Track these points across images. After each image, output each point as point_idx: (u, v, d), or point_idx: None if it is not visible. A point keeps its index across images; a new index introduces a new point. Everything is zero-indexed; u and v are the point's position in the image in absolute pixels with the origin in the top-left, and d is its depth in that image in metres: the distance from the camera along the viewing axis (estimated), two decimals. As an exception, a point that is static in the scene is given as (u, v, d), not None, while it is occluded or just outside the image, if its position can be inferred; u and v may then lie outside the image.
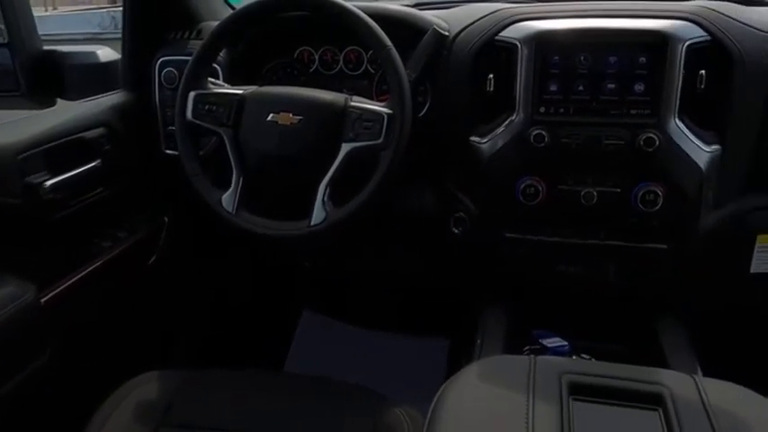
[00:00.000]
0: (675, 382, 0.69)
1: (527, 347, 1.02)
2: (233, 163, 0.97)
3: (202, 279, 1.47)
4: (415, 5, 1.30)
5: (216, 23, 1.02)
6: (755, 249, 1.00)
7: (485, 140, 1.03)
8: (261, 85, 1.02)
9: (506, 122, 1.01)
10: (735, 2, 1.05)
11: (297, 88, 1.00)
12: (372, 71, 1.14)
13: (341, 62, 1.15)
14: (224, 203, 0.97)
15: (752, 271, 1.01)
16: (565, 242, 1.03)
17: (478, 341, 1.02)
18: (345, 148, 0.92)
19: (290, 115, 0.94)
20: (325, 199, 0.93)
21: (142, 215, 1.24)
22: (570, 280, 1.08)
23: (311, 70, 1.17)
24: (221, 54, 1.10)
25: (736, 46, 0.94)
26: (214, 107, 0.98)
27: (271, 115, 0.95)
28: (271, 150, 0.96)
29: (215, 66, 1.09)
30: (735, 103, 0.94)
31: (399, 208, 1.14)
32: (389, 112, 0.92)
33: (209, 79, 1.02)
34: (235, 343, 1.53)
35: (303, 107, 0.94)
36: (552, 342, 1.01)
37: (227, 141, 0.97)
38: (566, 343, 1.01)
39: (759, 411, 0.66)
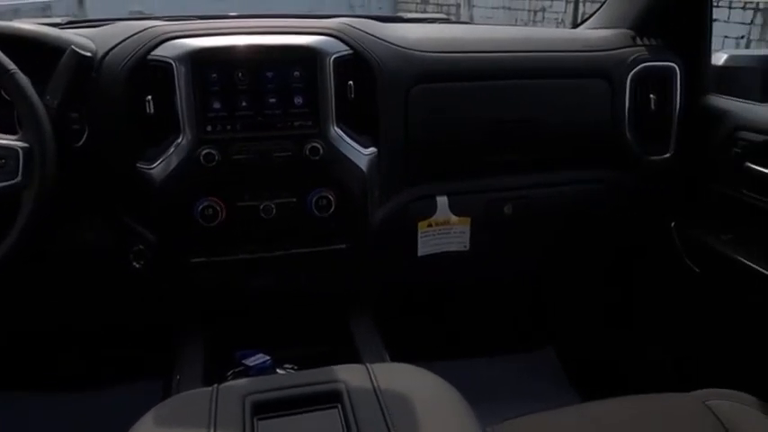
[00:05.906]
0: (350, 374, 0.73)
1: (231, 372, 0.99)
2: None
3: None
4: (67, 24, 1.17)
5: None
6: (419, 235, 1.13)
7: (154, 165, 0.97)
8: None
9: (174, 145, 0.97)
10: (374, 20, 1.18)
11: None
12: (10, 99, 0.99)
13: None
14: None
15: (419, 254, 1.14)
16: (253, 258, 1.04)
17: (177, 377, 0.96)
18: None
19: None
20: None
21: None
22: (265, 294, 1.09)
23: None
24: None
25: (375, 58, 1.04)
26: None
27: None
28: None
29: None
30: (380, 109, 1.05)
31: (69, 249, 1.01)
32: (25, 145, 0.81)
33: None
34: None
35: None
36: (254, 360, 1.00)
37: None
38: (267, 358, 1.00)
39: (419, 384, 0.74)
